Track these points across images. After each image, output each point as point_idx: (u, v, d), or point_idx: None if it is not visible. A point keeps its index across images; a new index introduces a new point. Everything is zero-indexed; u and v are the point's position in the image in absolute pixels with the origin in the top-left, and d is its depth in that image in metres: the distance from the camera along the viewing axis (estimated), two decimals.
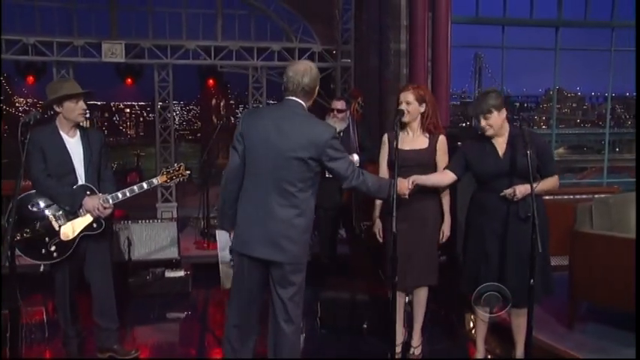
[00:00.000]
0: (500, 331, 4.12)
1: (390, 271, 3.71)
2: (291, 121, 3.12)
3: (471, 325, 4.60)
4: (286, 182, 3.07)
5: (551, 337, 4.08)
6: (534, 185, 3.11)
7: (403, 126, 3.73)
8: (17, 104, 25.29)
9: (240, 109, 25.23)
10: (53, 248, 3.63)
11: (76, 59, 8.58)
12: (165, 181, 3.92)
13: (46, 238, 3.62)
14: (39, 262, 3.63)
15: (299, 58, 9.14)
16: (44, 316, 4.94)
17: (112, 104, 28.98)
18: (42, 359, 4.16)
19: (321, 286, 5.22)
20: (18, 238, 3.49)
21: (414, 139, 3.73)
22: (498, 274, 3.47)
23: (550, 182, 3.47)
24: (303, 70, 3.17)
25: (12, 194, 6.08)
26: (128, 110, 29.92)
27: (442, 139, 3.73)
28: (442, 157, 3.74)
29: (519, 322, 3.64)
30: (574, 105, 72.63)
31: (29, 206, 3.58)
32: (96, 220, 3.75)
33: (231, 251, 3.30)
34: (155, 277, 5.67)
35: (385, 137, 3.87)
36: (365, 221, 4.88)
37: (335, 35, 9.19)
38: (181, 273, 5.74)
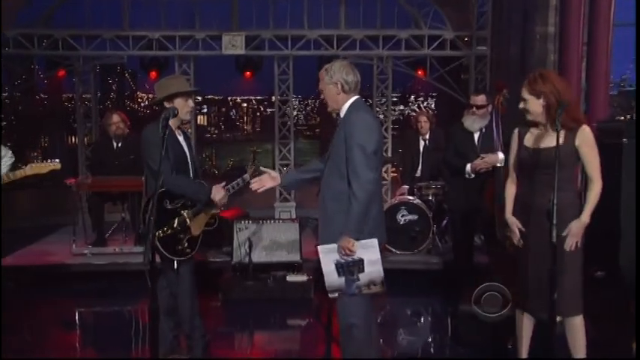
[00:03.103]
0: None
1: (521, 288, 3.56)
2: None
3: None
4: None
5: None
6: None
7: (533, 123, 3.50)
8: (139, 100, 27.29)
9: None
10: (186, 244, 3.85)
11: (197, 53, 9.02)
12: (253, 175, 4.13)
13: (181, 235, 3.84)
14: (174, 259, 3.82)
15: (428, 47, 8.97)
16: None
17: (229, 99, 30.31)
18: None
19: (454, 298, 5.07)
20: (161, 235, 3.71)
21: (547, 136, 3.44)
22: None
23: None
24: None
25: (140, 191, 6.57)
26: (245, 105, 31.13)
27: (584, 132, 3.37)
28: (588, 152, 3.38)
29: None
30: None
31: (164, 204, 3.79)
32: (213, 216, 4.00)
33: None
34: (276, 281, 5.79)
35: (515, 133, 3.63)
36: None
37: (469, 20, 8.87)
38: (303, 277, 5.81)
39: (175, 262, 3.81)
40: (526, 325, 3.63)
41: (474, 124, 5.18)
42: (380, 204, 3.53)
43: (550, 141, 3.37)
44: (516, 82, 7.00)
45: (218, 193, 3.93)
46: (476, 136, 5.19)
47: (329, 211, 3.43)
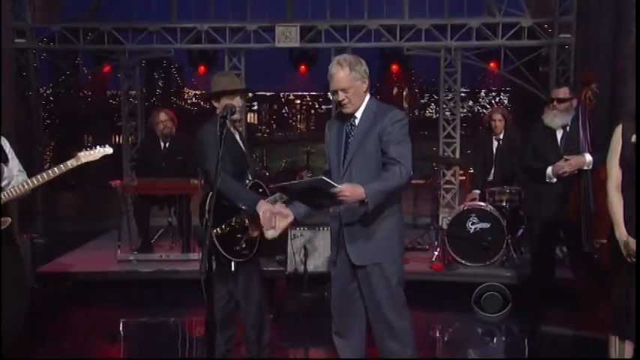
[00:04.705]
0: None
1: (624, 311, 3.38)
2: None
3: None
4: None
5: None
6: None
7: None
8: (186, 96, 27.79)
9: (426, 99, 25.04)
10: (244, 245, 3.90)
11: (248, 46, 9.16)
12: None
13: (239, 235, 3.89)
14: (232, 259, 3.87)
15: (502, 36, 8.84)
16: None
17: (281, 95, 30.51)
18: None
19: (532, 317, 4.94)
20: (219, 232, 3.78)
21: None
22: None
23: None
24: None
25: (189, 194, 6.70)
26: (298, 101, 31.27)
27: None
28: None
29: None
30: None
31: (223, 200, 3.83)
32: None
33: None
34: None
35: (619, 129, 3.47)
36: (599, 238, 4.49)
37: (550, 5, 8.65)
38: None
39: (233, 263, 3.86)
40: (626, 352, 3.47)
41: (555, 119, 5.05)
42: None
43: None
44: (607, 74, 6.86)
45: (262, 206, 3.79)
46: (558, 134, 5.04)
47: (367, 219, 3.41)
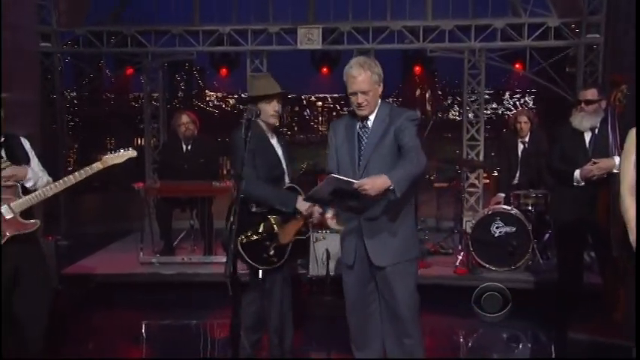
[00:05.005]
0: None
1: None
2: None
3: None
4: None
5: None
6: None
7: None
8: (208, 99, 27.82)
9: (449, 101, 24.92)
10: (272, 253, 3.89)
11: (270, 48, 9.17)
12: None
13: (267, 242, 3.88)
14: (259, 267, 3.87)
15: (528, 36, 8.74)
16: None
17: (302, 97, 30.45)
18: None
19: (560, 323, 4.87)
20: (244, 240, 3.78)
21: None
22: None
23: None
24: None
25: (210, 197, 6.73)
26: (320, 103, 31.21)
27: None
28: None
29: None
30: None
31: (250, 206, 3.84)
32: (304, 224, 4.02)
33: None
34: None
35: (633, 131, 3.40)
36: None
37: (578, 4, 8.53)
38: None
39: (260, 271, 3.85)
40: None
41: (583, 121, 4.98)
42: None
43: None
44: (634, 75, 6.70)
45: (303, 204, 3.91)
46: (587, 137, 4.97)
47: (388, 214, 3.43)
